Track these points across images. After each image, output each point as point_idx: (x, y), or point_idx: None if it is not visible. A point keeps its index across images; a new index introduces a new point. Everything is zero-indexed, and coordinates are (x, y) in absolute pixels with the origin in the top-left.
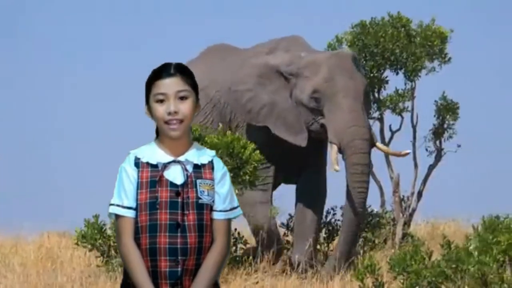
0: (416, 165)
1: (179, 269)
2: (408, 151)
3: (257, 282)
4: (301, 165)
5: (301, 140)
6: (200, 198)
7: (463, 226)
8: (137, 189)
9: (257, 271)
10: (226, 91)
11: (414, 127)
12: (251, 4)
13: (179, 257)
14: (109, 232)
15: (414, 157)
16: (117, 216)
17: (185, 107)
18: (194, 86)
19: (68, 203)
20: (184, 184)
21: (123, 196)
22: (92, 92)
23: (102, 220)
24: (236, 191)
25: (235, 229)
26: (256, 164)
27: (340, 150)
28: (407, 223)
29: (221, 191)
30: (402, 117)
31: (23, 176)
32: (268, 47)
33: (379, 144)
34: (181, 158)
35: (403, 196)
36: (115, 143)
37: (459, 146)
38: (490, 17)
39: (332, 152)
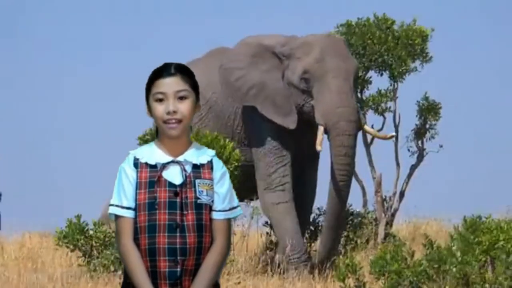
0: (398, 165)
1: (179, 269)
2: (393, 133)
3: (239, 282)
4: (300, 165)
5: (290, 122)
6: (199, 198)
7: (445, 226)
8: (136, 189)
9: (239, 271)
10: (222, 92)
11: (396, 127)
12: (243, 4)
13: (178, 257)
14: (91, 232)
15: (396, 157)
16: (117, 217)
17: (184, 107)
18: (194, 86)
19: (68, 203)
20: (183, 184)
21: (122, 196)
22: (92, 92)
23: (84, 220)
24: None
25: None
26: (236, 164)
27: (326, 131)
28: (389, 223)
29: (221, 191)
30: (385, 118)
31: (23, 176)
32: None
33: (367, 127)
34: (180, 158)
35: (385, 196)
36: (115, 143)
37: (441, 146)
38: (471, 16)
39: (318, 132)
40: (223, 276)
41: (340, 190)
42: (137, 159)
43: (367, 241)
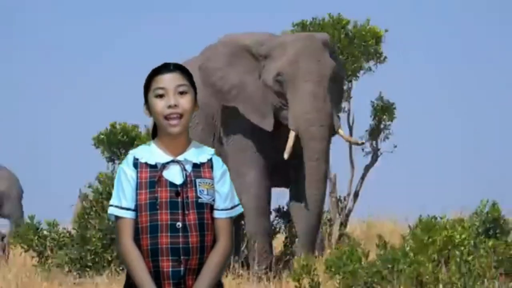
0: (352, 166)
1: (182, 268)
2: (363, 140)
3: None
4: (294, 171)
5: (267, 125)
6: (200, 198)
7: (399, 226)
8: (136, 189)
9: None
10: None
11: (350, 128)
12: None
13: (182, 257)
14: (45, 232)
15: (350, 158)
16: (116, 217)
17: (185, 101)
18: (193, 85)
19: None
20: (184, 184)
21: (122, 197)
22: (92, 92)
23: (38, 220)
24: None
25: None
26: None
27: (298, 137)
28: (343, 224)
29: (222, 190)
30: (339, 118)
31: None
32: None
33: (341, 131)
34: (180, 158)
35: (340, 196)
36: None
37: (395, 146)
38: (424, 16)
39: (289, 138)
40: None
41: (315, 196)
42: (137, 159)
43: (322, 242)
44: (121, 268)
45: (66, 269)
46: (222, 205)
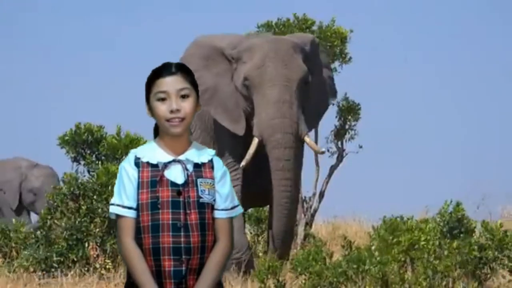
0: (317, 166)
1: (184, 268)
2: (324, 150)
3: None
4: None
5: (238, 129)
6: (201, 197)
7: (364, 227)
8: (138, 189)
9: None
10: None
11: (315, 128)
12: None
13: (183, 256)
14: (10, 233)
15: (315, 158)
16: (118, 216)
17: (187, 105)
18: (194, 85)
19: None
20: (185, 184)
21: (123, 196)
22: (92, 92)
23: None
24: None
25: None
26: None
27: (262, 144)
28: (309, 224)
29: (222, 190)
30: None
31: None
32: None
33: (307, 138)
34: (182, 157)
35: (305, 196)
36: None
37: (360, 147)
38: (389, 16)
39: (251, 145)
40: None
41: (282, 206)
42: (138, 158)
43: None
44: (86, 268)
45: (31, 269)
46: (222, 205)
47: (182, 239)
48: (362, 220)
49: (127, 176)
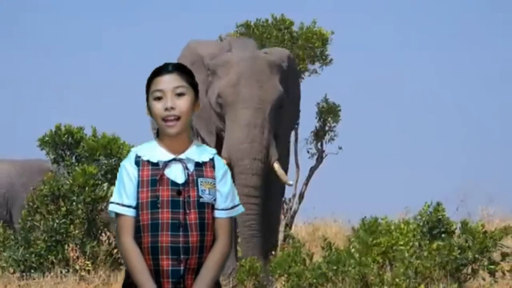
0: (297, 167)
1: (182, 267)
2: (291, 183)
3: None
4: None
5: (211, 142)
6: (201, 197)
7: (343, 228)
8: (138, 187)
9: None
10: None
11: (295, 130)
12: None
13: (182, 256)
14: None
15: (295, 159)
16: (117, 215)
17: (182, 103)
18: (193, 84)
19: None
20: (185, 183)
21: (123, 194)
22: (92, 92)
23: None
24: None
25: None
26: None
27: (230, 166)
28: (288, 225)
29: (223, 190)
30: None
31: None
32: None
33: (276, 165)
34: (182, 156)
35: (285, 198)
36: None
37: (340, 148)
38: (371, 18)
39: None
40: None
41: (245, 234)
42: (139, 157)
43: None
44: (66, 270)
45: (11, 270)
46: (223, 205)
47: (181, 239)
48: (342, 221)
49: (127, 174)
